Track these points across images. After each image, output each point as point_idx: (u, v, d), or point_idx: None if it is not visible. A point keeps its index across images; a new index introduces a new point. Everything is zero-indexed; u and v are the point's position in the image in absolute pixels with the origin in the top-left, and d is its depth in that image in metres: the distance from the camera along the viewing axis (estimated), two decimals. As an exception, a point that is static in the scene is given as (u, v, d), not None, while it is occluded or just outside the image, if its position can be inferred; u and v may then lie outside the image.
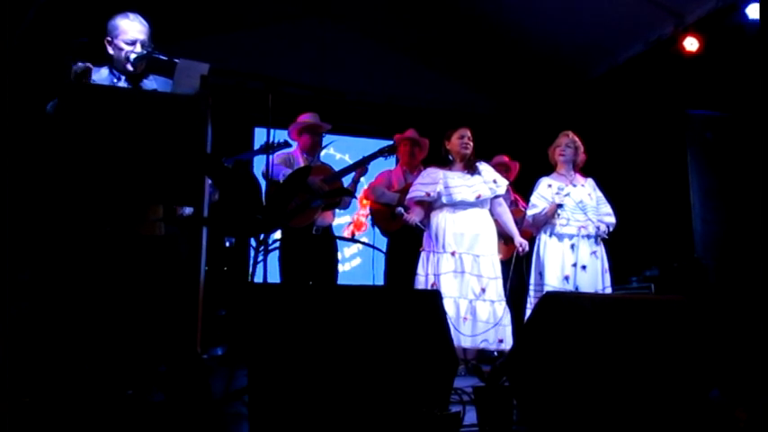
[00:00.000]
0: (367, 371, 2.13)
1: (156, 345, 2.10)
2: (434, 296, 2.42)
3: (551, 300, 2.58)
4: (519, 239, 3.99)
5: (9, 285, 1.85)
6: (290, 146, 4.29)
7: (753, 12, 4.30)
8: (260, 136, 5.98)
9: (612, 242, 4.11)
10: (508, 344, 3.78)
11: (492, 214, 4.02)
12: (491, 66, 6.08)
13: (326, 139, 4.46)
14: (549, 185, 4.07)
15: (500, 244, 4.16)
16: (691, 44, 4.74)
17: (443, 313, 2.35)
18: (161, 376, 2.04)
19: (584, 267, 3.93)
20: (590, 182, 4.18)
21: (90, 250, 2.17)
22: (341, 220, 5.61)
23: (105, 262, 2.19)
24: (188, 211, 2.67)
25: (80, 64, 2.42)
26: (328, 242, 4.35)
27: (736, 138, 4.46)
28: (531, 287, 4.04)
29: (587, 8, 4.99)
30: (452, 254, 3.84)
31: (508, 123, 6.30)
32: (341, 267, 4.64)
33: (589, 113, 5.55)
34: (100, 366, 2.00)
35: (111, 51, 2.65)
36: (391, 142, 4.72)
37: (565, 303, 2.53)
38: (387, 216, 4.49)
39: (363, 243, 4.88)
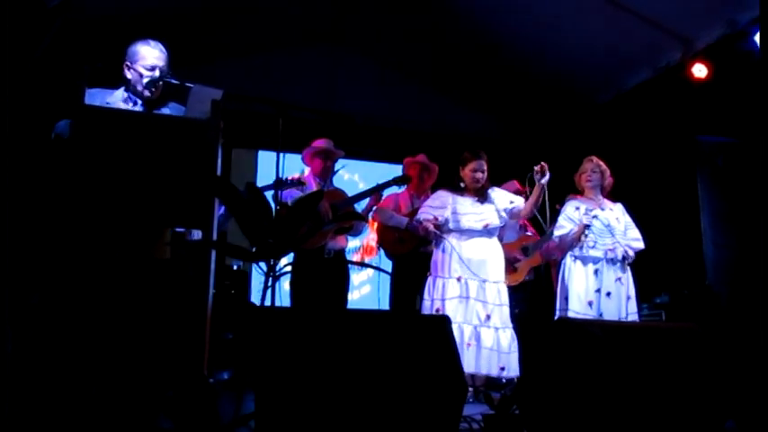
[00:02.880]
0: (375, 397, 2.10)
1: (163, 370, 2.09)
2: (443, 321, 2.40)
3: (560, 326, 2.55)
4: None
5: (8, 286, 1.84)
6: (303, 184, 4.23)
7: (760, 39, 4.32)
8: (263, 159, 5.96)
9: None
10: (512, 371, 3.74)
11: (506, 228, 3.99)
12: (500, 91, 6.11)
13: (337, 163, 4.47)
14: (577, 207, 4.04)
15: (507, 270, 4.14)
16: (699, 71, 4.74)
17: (452, 339, 2.33)
18: (168, 402, 2.02)
19: (608, 294, 3.89)
20: (619, 206, 4.15)
21: (99, 274, 2.16)
22: (351, 245, 5.61)
23: (114, 285, 2.18)
24: (196, 234, 2.68)
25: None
26: (340, 266, 4.34)
27: (746, 163, 4.44)
28: (557, 312, 4.00)
29: (595, 34, 5.01)
30: (458, 279, 3.82)
31: (517, 149, 6.30)
32: (350, 296, 4.61)
33: (597, 139, 5.55)
34: (107, 391, 1.98)
35: (129, 76, 2.72)
36: (400, 166, 4.74)
37: (574, 330, 2.51)
38: (393, 239, 4.48)
39: (373, 267, 4.85)
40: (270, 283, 2.03)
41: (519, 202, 4.01)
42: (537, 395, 2.39)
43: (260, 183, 4.73)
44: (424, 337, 2.28)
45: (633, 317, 3.94)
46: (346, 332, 2.19)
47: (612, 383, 2.33)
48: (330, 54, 5.76)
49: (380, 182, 4.31)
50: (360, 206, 4.34)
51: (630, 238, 4.05)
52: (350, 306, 4.74)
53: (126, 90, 2.72)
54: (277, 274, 2.01)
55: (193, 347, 2.14)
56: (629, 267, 4.00)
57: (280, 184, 2.90)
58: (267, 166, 5.77)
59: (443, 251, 3.91)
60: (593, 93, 5.84)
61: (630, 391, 2.33)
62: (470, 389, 3.69)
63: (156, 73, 2.66)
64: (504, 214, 3.95)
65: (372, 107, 5.88)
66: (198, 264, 2.39)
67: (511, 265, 4.24)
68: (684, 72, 4.81)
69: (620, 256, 3.96)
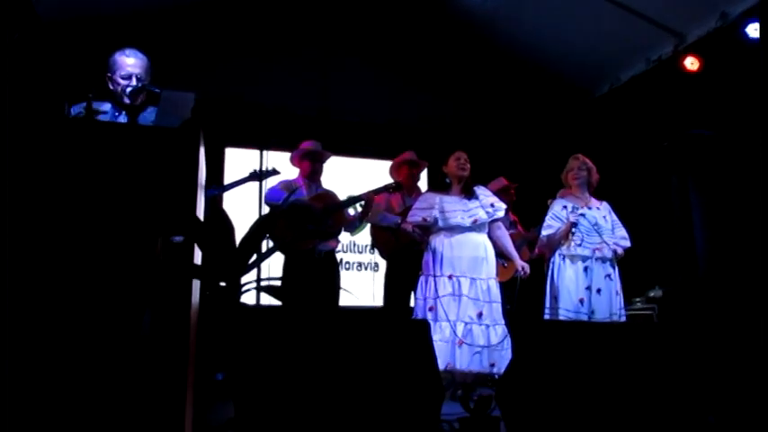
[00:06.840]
0: (353, 400, 2.13)
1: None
2: (423, 326, 2.42)
3: (544, 327, 2.58)
4: (520, 262, 3.96)
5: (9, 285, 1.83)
6: (278, 173, 4.26)
7: (752, 31, 4.30)
8: (231, 157, 5.72)
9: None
10: (504, 368, 3.74)
11: (491, 238, 4.00)
12: (493, 87, 6.09)
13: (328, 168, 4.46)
14: (564, 206, 4.05)
15: (499, 267, 4.14)
16: (691, 63, 4.74)
17: (431, 343, 2.35)
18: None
19: (599, 291, 3.89)
20: (605, 205, 4.15)
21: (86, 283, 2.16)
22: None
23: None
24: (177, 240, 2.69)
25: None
26: (330, 266, 4.36)
27: (736, 156, 4.42)
28: (546, 311, 3.99)
29: (589, 29, 5.00)
30: (449, 277, 3.83)
31: (511, 144, 6.28)
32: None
33: (592, 132, 5.54)
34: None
35: (110, 87, 2.77)
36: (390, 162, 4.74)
37: (557, 331, 2.53)
38: (387, 239, 4.50)
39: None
40: (242, 291, 2.04)
41: (500, 207, 4.01)
42: (519, 395, 2.41)
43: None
44: (403, 341, 2.31)
45: (621, 312, 3.95)
46: (324, 334, 2.23)
47: (594, 383, 2.35)
48: (321, 56, 5.72)
49: (371, 189, 4.28)
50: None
51: (618, 236, 4.06)
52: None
53: (111, 102, 2.76)
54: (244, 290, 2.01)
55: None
56: (616, 264, 4.00)
57: (255, 176, 2.88)
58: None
59: (434, 250, 3.92)
60: (588, 86, 5.83)
61: (613, 389, 2.36)
62: (461, 387, 3.71)
63: (133, 81, 2.70)
64: (490, 210, 3.96)
65: (364, 105, 5.86)
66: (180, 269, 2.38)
67: (501, 262, 4.24)
68: (677, 65, 4.80)
69: (608, 255, 3.96)
